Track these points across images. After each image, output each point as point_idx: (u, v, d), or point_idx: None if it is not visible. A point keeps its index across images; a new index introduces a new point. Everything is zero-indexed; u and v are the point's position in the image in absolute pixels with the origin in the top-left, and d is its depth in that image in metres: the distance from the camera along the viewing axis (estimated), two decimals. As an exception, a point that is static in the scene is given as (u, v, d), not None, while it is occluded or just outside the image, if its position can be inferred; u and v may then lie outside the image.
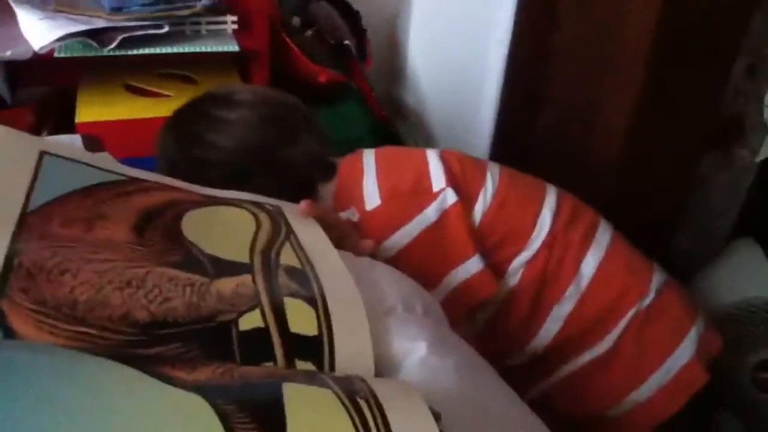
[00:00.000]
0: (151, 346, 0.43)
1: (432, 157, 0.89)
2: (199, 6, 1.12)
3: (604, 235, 0.90)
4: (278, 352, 0.47)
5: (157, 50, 1.08)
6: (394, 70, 1.54)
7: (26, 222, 0.48)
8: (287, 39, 1.21)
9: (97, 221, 0.53)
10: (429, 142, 1.44)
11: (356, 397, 0.40)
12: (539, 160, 1.05)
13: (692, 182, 1.16)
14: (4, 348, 0.38)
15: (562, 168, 0.99)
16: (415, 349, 0.53)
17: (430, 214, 0.84)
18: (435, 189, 0.85)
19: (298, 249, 0.57)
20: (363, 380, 0.43)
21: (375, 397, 0.41)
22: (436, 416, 0.42)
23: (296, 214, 0.66)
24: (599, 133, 1.04)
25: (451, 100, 1.37)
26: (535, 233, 0.87)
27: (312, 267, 0.55)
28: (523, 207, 0.89)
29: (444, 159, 0.89)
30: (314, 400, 0.39)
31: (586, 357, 0.87)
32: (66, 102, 1.17)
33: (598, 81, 1.03)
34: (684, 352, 0.87)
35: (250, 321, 0.47)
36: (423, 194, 0.85)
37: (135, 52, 1.06)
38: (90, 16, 1.08)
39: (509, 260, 0.87)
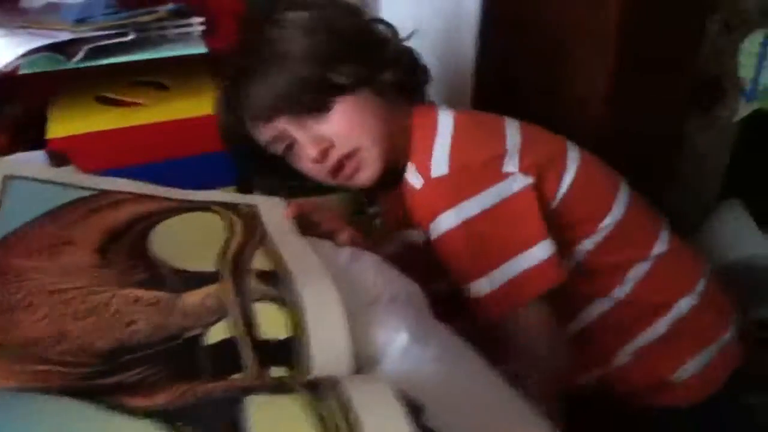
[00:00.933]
0: (111, 375, 0.41)
1: (511, 131, 0.83)
2: (163, 11, 1.10)
3: (664, 220, 0.89)
4: (249, 360, 0.45)
5: (124, 58, 1.05)
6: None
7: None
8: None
9: (62, 247, 0.52)
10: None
11: (326, 402, 0.38)
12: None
13: (679, 141, 1.14)
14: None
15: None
16: (397, 339, 0.52)
17: (497, 192, 0.78)
18: (508, 169, 0.79)
19: (272, 251, 0.55)
20: (337, 382, 0.41)
21: (346, 401, 0.39)
22: (420, 408, 0.41)
23: (272, 213, 0.64)
24: (574, 106, 1.02)
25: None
26: (608, 217, 0.83)
27: (286, 268, 0.53)
28: (602, 189, 0.85)
29: (523, 135, 0.83)
30: (279, 410, 0.37)
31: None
32: (40, 120, 1.15)
33: (569, 52, 1.01)
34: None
35: (218, 333, 0.45)
36: (494, 171, 0.78)
37: (102, 62, 1.03)
38: (53, 29, 1.06)
39: (574, 243, 0.83)
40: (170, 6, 1.11)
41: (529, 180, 0.78)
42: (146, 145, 1.13)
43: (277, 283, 0.50)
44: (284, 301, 0.49)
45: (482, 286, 0.76)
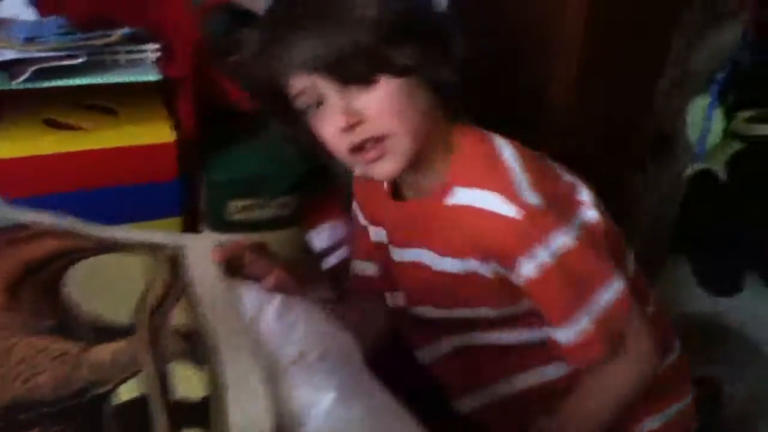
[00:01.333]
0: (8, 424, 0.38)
1: (562, 169, 0.83)
2: (117, 35, 1.08)
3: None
4: (161, 421, 0.42)
5: (73, 81, 1.03)
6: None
7: None
8: (212, 66, 1.17)
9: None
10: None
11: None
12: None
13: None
14: None
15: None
16: (322, 400, 0.50)
17: (580, 221, 0.77)
18: (581, 198, 0.79)
19: (194, 303, 0.53)
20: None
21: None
22: None
23: (200, 256, 0.61)
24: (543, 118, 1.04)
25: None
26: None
27: (207, 325, 0.50)
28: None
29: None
30: None
31: None
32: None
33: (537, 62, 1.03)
34: None
35: (128, 391, 0.43)
36: (574, 201, 0.78)
37: (47, 84, 1.01)
38: (2, 47, 1.03)
39: None
40: (125, 30, 1.09)
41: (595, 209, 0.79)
42: (93, 171, 1.11)
43: (196, 341, 0.48)
44: (202, 360, 0.46)
45: (581, 322, 0.74)
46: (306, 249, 1.25)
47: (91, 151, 1.10)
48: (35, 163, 1.06)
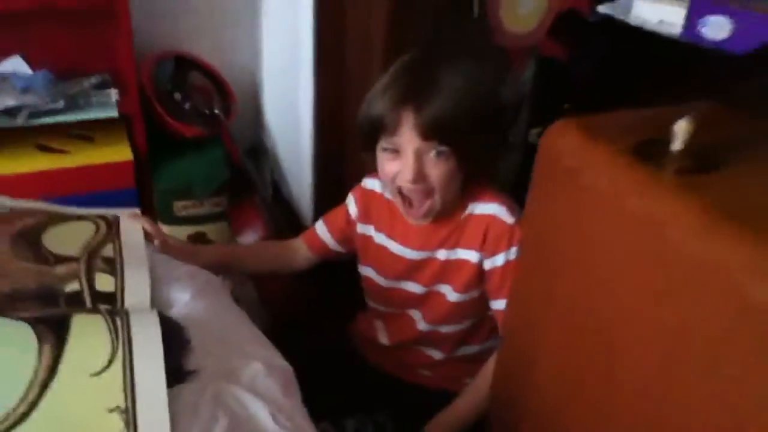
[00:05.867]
0: (12, 301, 0.74)
1: None
2: (88, 84, 1.43)
3: None
4: (87, 301, 0.78)
5: (56, 119, 1.38)
6: (256, 117, 1.88)
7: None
8: (156, 104, 1.52)
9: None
10: (279, 171, 1.78)
11: (115, 317, 0.71)
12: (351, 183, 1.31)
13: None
14: None
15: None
16: (184, 296, 0.85)
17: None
18: None
19: (118, 245, 0.89)
20: (126, 312, 0.74)
21: (128, 318, 0.72)
22: (179, 326, 0.74)
23: (126, 221, 0.96)
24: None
25: (285, 138, 1.71)
26: None
27: (121, 254, 0.86)
28: None
29: None
30: (89, 318, 0.70)
31: None
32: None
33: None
34: None
35: (72, 287, 0.78)
36: None
37: (38, 122, 1.36)
38: (6, 96, 1.38)
39: None
40: (93, 80, 1.44)
41: None
42: (74, 182, 1.46)
43: (113, 262, 0.84)
44: (114, 273, 0.82)
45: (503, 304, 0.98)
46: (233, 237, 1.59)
47: (73, 168, 1.45)
48: (31, 177, 1.41)
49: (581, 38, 1.28)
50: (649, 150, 0.68)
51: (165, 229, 1.55)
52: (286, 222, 1.61)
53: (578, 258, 0.72)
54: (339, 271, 1.24)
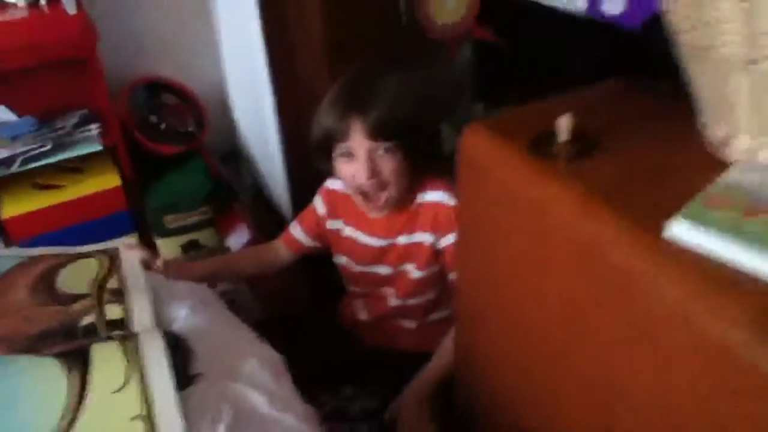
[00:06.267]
0: (41, 341, 0.89)
1: None
2: (69, 125, 1.56)
3: None
4: (102, 330, 0.92)
5: (46, 161, 1.51)
6: (230, 125, 2.00)
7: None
8: (135, 131, 1.65)
9: (11, 289, 0.99)
10: (258, 174, 1.91)
11: (126, 341, 0.86)
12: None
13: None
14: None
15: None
16: (183, 311, 0.99)
17: None
18: None
19: (120, 276, 1.03)
20: (136, 335, 0.89)
21: (137, 340, 0.87)
22: (182, 340, 0.89)
23: (127, 253, 1.11)
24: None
25: (257, 143, 1.83)
26: None
27: (124, 284, 1.01)
28: None
29: None
30: (105, 345, 0.85)
31: None
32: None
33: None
34: None
35: (87, 320, 0.93)
36: None
37: (31, 166, 1.50)
38: (-1, 147, 1.51)
39: None
40: (75, 120, 1.57)
41: None
42: (71, 213, 1.60)
43: (119, 292, 0.98)
44: (121, 301, 0.97)
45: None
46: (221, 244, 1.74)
47: (69, 201, 1.59)
48: (34, 216, 1.55)
49: (507, 22, 1.40)
50: (542, 144, 0.82)
51: (159, 241, 1.70)
52: (269, 220, 1.75)
53: (495, 241, 0.86)
54: (321, 263, 1.38)
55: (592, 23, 1.17)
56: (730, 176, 0.70)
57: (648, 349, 0.65)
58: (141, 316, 0.96)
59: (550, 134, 0.81)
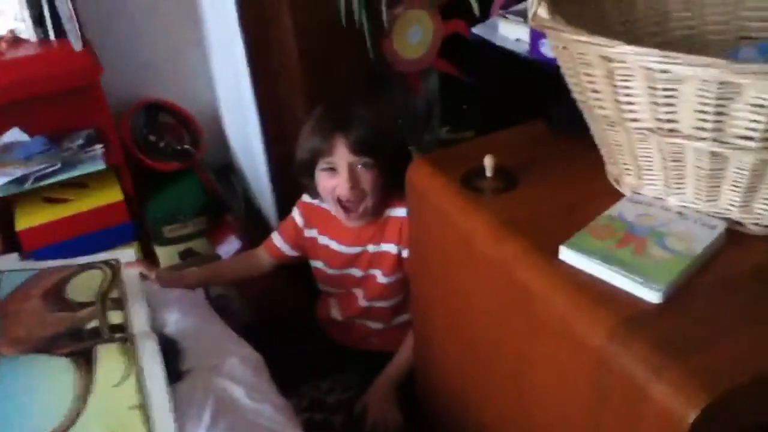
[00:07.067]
0: (52, 343, 1.04)
1: None
2: (76, 145, 1.71)
3: None
4: (105, 333, 1.08)
5: (56, 179, 1.66)
6: (224, 142, 2.16)
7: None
8: (136, 151, 1.80)
9: (26, 299, 1.15)
10: (248, 187, 2.07)
11: (126, 342, 1.02)
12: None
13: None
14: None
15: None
16: (173, 314, 1.15)
17: None
18: None
19: (121, 285, 1.19)
20: (134, 337, 1.05)
21: (135, 341, 1.02)
22: (173, 341, 1.05)
23: (127, 269, 1.26)
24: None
25: (246, 159, 1.98)
26: None
27: (125, 293, 1.17)
28: None
29: None
30: (108, 346, 1.01)
31: None
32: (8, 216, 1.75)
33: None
34: None
35: (92, 324, 1.08)
36: None
37: (42, 184, 1.65)
38: (14, 167, 1.66)
39: None
40: (80, 141, 1.71)
41: None
42: (78, 226, 1.74)
43: (119, 301, 1.14)
44: (122, 308, 1.12)
45: None
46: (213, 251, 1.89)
47: (75, 214, 1.73)
48: (43, 227, 1.70)
49: (467, 58, 1.55)
50: (472, 178, 0.96)
51: (158, 250, 1.85)
52: (258, 230, 1.90)
53: (435, 257, 1.02)
54: (301, 270, 1.53)
55: (534, 63, 1.32)
56: (616, 209, 0.84)
57: (545, 349, 0.80)
58: (138, 321, 1.11)
59: (480, 170, 0.96)
